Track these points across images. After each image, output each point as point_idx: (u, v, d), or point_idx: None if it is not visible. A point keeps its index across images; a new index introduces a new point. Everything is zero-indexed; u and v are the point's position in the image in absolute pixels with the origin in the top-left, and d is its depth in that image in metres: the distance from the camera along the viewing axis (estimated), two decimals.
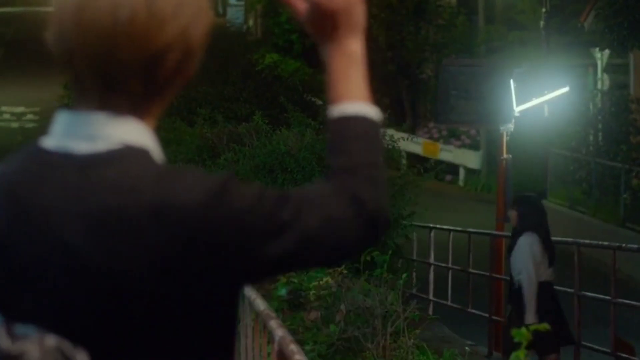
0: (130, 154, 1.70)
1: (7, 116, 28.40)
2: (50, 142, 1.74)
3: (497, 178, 14.87)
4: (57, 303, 1.69)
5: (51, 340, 1.66)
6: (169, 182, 1.69)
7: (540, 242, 9.22)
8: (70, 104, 1.77)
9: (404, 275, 8.75)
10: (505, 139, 14.19)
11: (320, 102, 18.28)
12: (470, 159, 28.97)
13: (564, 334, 9.26)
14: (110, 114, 1.71)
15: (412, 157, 27.39)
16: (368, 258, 8.97)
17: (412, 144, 28.06)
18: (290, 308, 9.07)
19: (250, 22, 37.06)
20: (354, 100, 1.84)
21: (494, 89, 14.16)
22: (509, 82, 13.97)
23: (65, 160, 1.71)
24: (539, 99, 15.44)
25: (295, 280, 9.18)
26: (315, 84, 25.43)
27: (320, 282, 9.10)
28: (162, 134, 12.17)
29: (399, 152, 16.47)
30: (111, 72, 1.70)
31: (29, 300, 1.72)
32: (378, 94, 32.14)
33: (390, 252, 9.35)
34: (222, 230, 1.67)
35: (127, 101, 1.72)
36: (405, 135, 25.30)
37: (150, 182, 1.68)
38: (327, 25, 1.87)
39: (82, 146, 1.71)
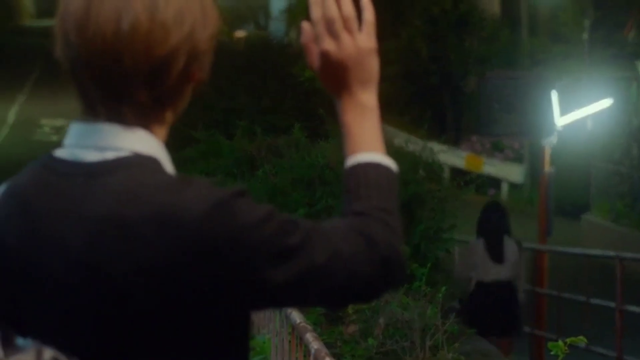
0: (138, 163, 1.71)
1: (46, 129, 28.42)
2: (63, 152, 1.76)
3: (539, 191, 14.77)
4: (58, 311, 1.70)
5: (48, 353, 1.67)
6: (174, 192, 1.67)
7: (484, 245, 10.78)
8: (80, 114, 1.78)
9: (443, 289, 8.68)
10: (547, 152, 14.10)
11: None
12: (513, 173, 28.81)
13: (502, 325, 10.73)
14: (118, 125, 1.72)
15: (455, 170, 27.30)
16: (407, 271, 8.93)
17: (454, 157, 27.95)
18: (329, 322, 9.02)
19: (293, 35, 37.15)
20: (368, 151, 1.84)
21: (536, 101, 14.11)
22: (552, 95, 13.89)
23: (75, 169, 1.73)
24: (581, 111, 15.35)
25: None
26: None
27: None
28: (202, 147, 12.21)
29: (440, 165, 16.37)
30: (116, 82, 1.71)
31: (31, 310, 1.73)
32: (420, 107, 31.96)
33: (429, 264, 9.29)
34: (222, 244, 1.64)
35: (134, 111, 1.72)
36: (447, 148, 25.22)
37: (155, 190, 1.67)
38: (338, 76, 1.87)
39: (91, 156, 1.72)
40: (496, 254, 10.80)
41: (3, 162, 18.72)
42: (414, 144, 15.79)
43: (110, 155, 1.71)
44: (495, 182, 28.65)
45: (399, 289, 8.61)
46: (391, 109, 28.46)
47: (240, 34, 29.16)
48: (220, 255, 1.64)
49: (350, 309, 9.05)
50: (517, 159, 28.89)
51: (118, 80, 1.71)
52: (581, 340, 3.80)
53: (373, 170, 1.82)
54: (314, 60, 1.87)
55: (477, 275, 10.77)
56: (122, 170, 1.70)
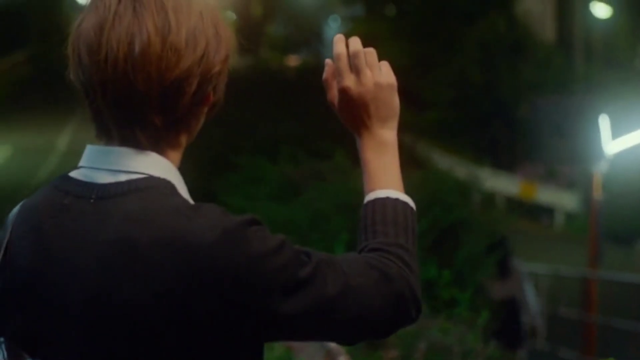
0: (151, 186, 1.69)
1: None
2: (77, 173, 1.75)
3: (589, 219, 14.64)
4: (68, 333, 1.68)
5: None
6: (186, 217, 1.64)
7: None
8: (95, 137, 1.78)
9: (485, 314, 8.61)
10: (597, 178, 13.97)
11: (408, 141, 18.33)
12: (567, 200, 28.57)
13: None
14: (132, 149, 1.72)
15: (508, 198, 27.12)
16: (447, 297, 8.87)
17: (508, 185, 27.80)
18: (369, 347, 8.99)
19: None
20: (387, 188, 1.84)
21: (586, 127, 14.02)
22: (605, 121, 13.79)
23: (87, 190, 1.71)
24: (634, 137, 15.20)
25: None
26: (410, 123, 25.45)
27: None
28: (245, 172, 12.25)
29: (493, 193, 16.30)
30: (129, 105, 1.69)
31: (41, 331, 1.72)
32: (473, 134, 31.80)
33: (471, 290, 9.22)
34: (231, 272, 1.61)
35: (148, 135, 1.71)
36: (500, 175, 25.13)
37: (167, 214, 1.64)
38: (358, 113, 1.89)
39: (105, 178, 1.71)
40: (503, 270, 10.82)
41: None
42: (462, 170, 15.77)
43: (123, 177, 1.70)
44: (549, 209, 28.43)
45: (439, 314, 8.57)
46: (444, 136, 28.39)
47: (292, 60, 29.31)
48: (228, 283, 1.60)
49: None
50: (571, 186, 28.66)
51: (131, 103, 1.69)
52: None
53: (391, 206, 1.82)
54: (334, 96, 1.88)
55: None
56: (134, 193, 1.69)
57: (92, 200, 1.70)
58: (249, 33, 24.21)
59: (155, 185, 1.69)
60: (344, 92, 1.87)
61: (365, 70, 1.88)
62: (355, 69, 1.88)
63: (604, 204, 14.12)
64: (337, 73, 1.89)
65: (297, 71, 23.06)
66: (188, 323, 1.61)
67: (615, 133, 14.06)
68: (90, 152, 1.75)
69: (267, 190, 11.34)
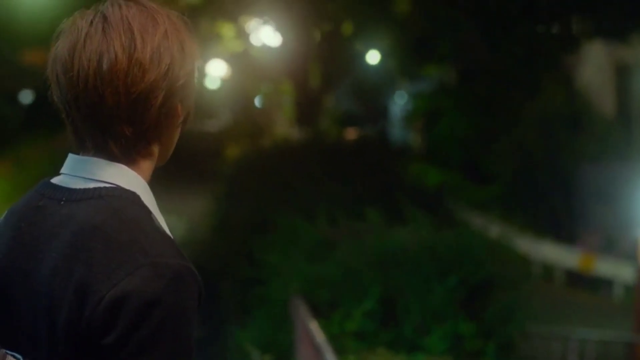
0: (117, 195, 1.85)
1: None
2: (57, 179, 1.93)
3: (635, 288, 14.64)
4: (30, 322, 1.84)
5: (10, 358, 1.84)
6: (141, 227, 1.82)
7: None
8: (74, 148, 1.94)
9: None
10: None
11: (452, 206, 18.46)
12: (626, 271, 28.22)
13: None
14: (104, 160, 1.87)
15: (568, 270, 26.92)
16: (472, 348, 9.00)
17: (568, 257, 27.61)
18: None
19: (412, 136, 37.47)
20: None
21: (633, 192, 14.06)
22: None
23: (61, 193, 1.89)
24: None
25: None
26: (469, 195, 25.52)
27: None
28: (284, 231, 12.47)
29: (552, 265, 16.28)
30: (100, 117, 1.84)
31: (8, 320, 1.89)
32: (534, 206, 31.49)
33: (495, 343, 9.34)
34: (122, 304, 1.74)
35: (120, 145, 1.86)
36: (560, 246, 25.06)
37: (130, 211, 1.83)
38: None
39: (77, 184, 1.88)
40: None
41: None
42: (523, 243, 15.77)
43: (92, 185, 1.86)
44: (608, 280, 28.11)
45: None
46: (504, 208, 28.36)
47: (352, 133, 29.60)
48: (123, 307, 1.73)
49: None
50: (631, 256, 28.33)
51: (102, 115, 1.83)
52: None
53: None
54: None
55: None
56: (100, 198, 1.84)
57: (62, 202, 1.86)
58: (307, 105, 24.56)
59: (122, 195, 1.85)
60: None
61: None
62: None
63: None
64: None
65: (352, 142, 23.35)
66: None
67: None
68: (70, 161, 1.92)
69: (302, 248, 11.55)
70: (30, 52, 27.25)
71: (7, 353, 1.85)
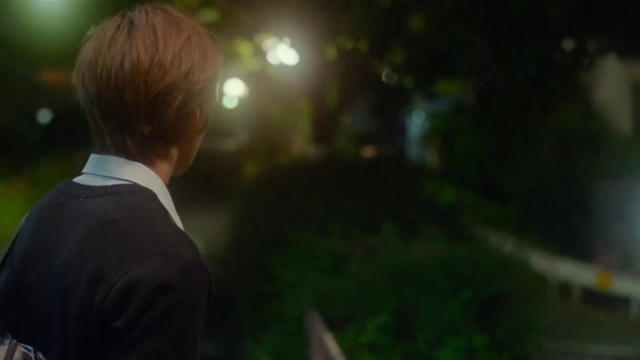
0: (135, 192, 1.92)
1: None
2: (79, 178, 2.02)
3: None
4: (51, 325, 1.90)
5: (20, 350, 1.90)
6: (158, 223, 1.88)
7: None
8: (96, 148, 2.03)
9: None
10: None
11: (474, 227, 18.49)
12: None
13: None
14: (122, 158, 1.95)
15: (585, 288, 26.86)
16: None
17: (584, 273, 27.55)
18: None
19: (429, 155, 37.50)
20: None
21: None
22: None
23: (79, 191, 1.97)
24: None
25: None
26: (485, 213, 25.54)
27: None
28: (299, 247, 12.53)
29: (568, 283, 16.28)
30: (120, 115, 1.93)
31: (25, 313, 1.95)
32: (551, 224, 31.50)
33: (507, 358, 9.37)
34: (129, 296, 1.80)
35: (138, 144, 1.94)
36: (577, 265, 25.05)
37: (147, 208, 1.89)
38: None
39: (97, 182, 1.96)
40: None
41: None
42: (540, 261, 15.74)
43: (110, 182, 1.94)
44: (626, 298, 28.03)
45: None
46: (522, 227, 28.34)
47: (369, 151, 29.61)
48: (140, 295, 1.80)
49: None
50: None
51: (121, 112, 1.92)
52: None
53: None
54: None
55: None
56: (117, 194, 1.91)
57: (81, 199, 1.94)
58: (324, 123, 24.61)
59: (139, 192, 1.92)
60: None
61: None
62: None
63: None
64: None
65: (369, 160, 23.40)
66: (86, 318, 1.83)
67: None
68: (91, 160, 2.00)
69: (317, 263, 11.61)
70: (48, 72, 27.44)
71: (17, 344, 1.90)
